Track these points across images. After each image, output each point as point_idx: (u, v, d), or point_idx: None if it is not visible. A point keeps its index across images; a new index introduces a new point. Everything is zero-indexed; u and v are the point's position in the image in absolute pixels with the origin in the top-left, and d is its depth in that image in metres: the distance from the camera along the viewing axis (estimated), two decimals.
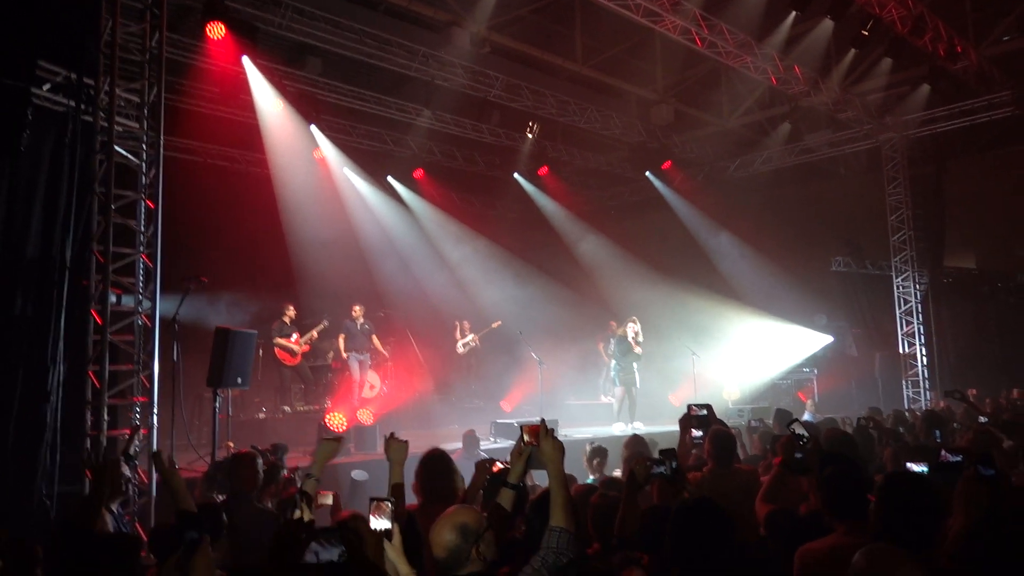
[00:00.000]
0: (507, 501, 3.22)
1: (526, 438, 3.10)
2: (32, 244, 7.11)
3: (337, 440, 3.66)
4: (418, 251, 15.20)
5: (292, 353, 11.55)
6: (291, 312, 11.75)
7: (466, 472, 4.28)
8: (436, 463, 4.09)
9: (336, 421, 8.97)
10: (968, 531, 3.11)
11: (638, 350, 11.46)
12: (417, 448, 4.38)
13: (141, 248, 7.16)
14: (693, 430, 5.39)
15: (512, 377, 13.59)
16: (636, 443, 5.96)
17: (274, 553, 1.64)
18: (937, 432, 6.43)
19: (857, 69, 12.71)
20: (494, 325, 14.07)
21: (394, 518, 1.99)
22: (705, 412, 5.42)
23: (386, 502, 2.02)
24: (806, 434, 4.37)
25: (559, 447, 3.04)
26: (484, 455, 7.04)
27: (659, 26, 10.48)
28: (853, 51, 11.59)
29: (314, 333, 11.79)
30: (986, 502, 3.25)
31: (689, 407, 5.46)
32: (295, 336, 11.63)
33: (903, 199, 13.98)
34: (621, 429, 10.92)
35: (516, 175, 16.07)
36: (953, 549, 3.04)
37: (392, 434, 3.89)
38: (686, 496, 3.70)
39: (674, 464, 3.74)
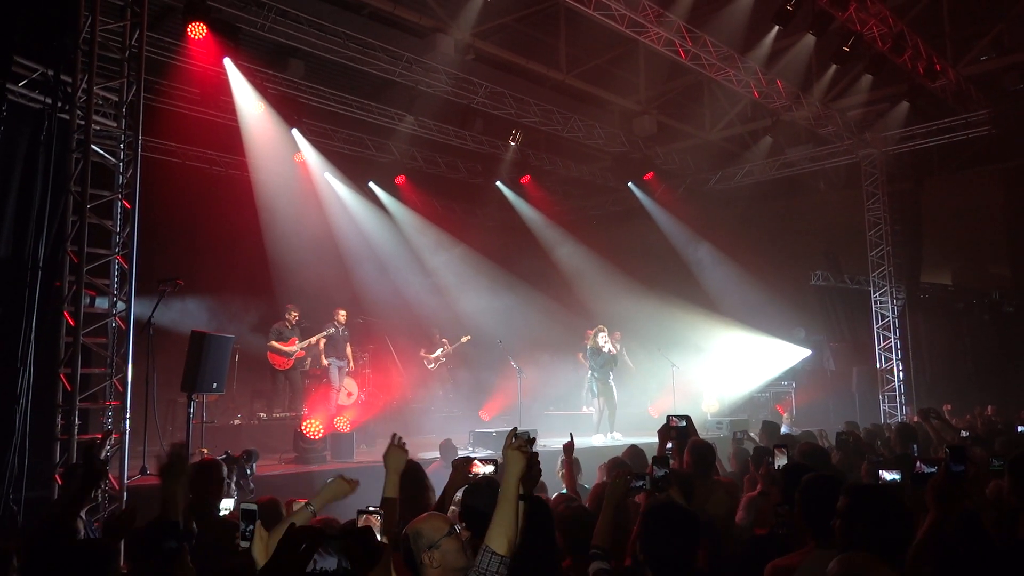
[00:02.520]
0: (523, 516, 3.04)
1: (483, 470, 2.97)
2: (4, 243, 7.01)
3: (350, 483, 3.19)
4: (398, 258, 15.16)
5: (287, 357, 11.34)
6: (293, 315, 11.52)
7: (441, 481, 4.23)
8: (412, 474, 4.02)
9: (312, 428, 8.88)
10: (934, 528, 3.14)
11: (608, 347, 11.38)
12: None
13: (117, 249, 7.06)
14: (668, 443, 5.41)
15: (491, 386, 13.57)
16: (634, 454, 5.93)
17: (275, 561, 1.59)
18: (914, 446, 6.50)
19: (838, 85, 12.91)
20: (463, 340, 14.06)
21: (384, 532, 1.93)
22: (684, 423, 5.44)
23: (375, 515, 1.97)
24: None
25: (519, 461, 2.75)
26: None
27: (643, 37, 10.56)
28: (834, 67, 11.75)
29: (313, 340, 11.60)
30: (955, 499, 3.26)
31: (668, 418, 5.48)
32: (292, 340, 11.41)
33: (882, 215, 14.15)
34: (601, 440, 10.92)
35: (498, 183, 16.09)
36: (919, 547, 3.07)
37: (397, 437, 3.56)
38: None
39: (663, 472, 3.72)
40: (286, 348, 11.32)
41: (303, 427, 8.94)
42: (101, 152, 7.02)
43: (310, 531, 1.65)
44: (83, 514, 4.52)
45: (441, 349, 14.11)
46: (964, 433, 6.85)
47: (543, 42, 12.68)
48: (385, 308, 14.18)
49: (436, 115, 13.37)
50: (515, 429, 2.87)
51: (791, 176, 15.31)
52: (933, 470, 3.71)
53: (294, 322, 11.54)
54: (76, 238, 6.74)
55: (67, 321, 6.66)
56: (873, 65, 11.44)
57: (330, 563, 1.66)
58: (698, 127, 15.06)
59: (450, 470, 4.08)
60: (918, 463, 3.86)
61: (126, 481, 6.63)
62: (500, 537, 2.59)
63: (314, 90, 12.20)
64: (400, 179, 15.50)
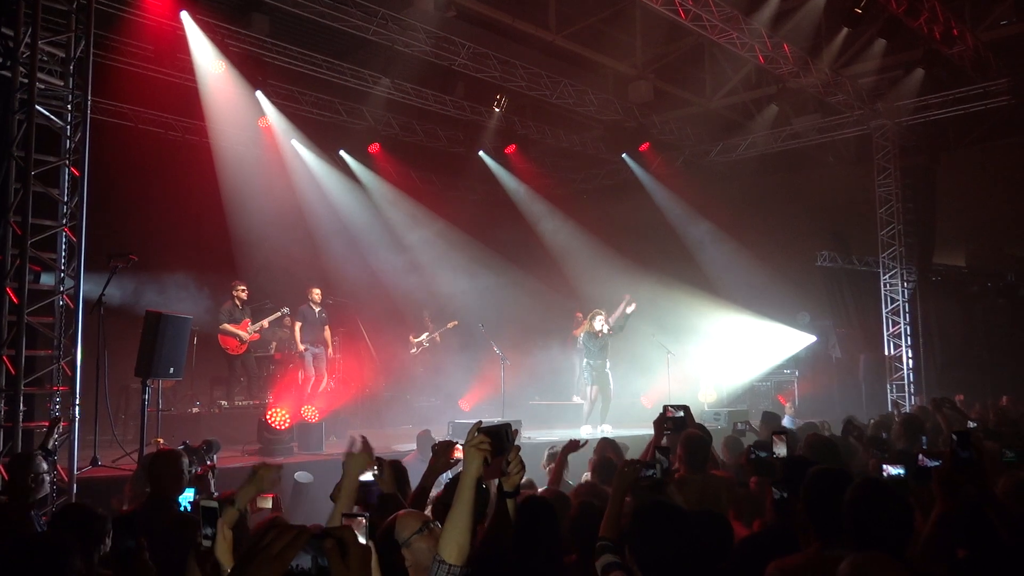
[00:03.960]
0: (512, 512, 3.03)
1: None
2: None
3: (274, 468, 3.25)
4: (372, 233, 15.11)
5: (240, 340, 11.17)
6: (242, 293, 11.25)
7: (417, 475, 4.26)
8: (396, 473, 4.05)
9: (278, 418, 8.90)
10: (942, 523, 3.21)
11: (608, 326, 11.48)
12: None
13: (64, 220, 7.01)
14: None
15: (472, 374, 13.62)
16: (607, 447, 6.01)
17: (252, 556, 1.61)
18: (924, 438, 6.60)
19: (849, 50, 12.93)
20: (450, 325, 14.10)
21: (370, 535, 1.95)
22: (682, 414, 5.49)
23: (360, 517, 1.99)
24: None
25: (475, 459, 2.67)
26: None
27: None
28: (845, 30, 11.77)
29: (265, 323, 11.50)
30: (962, 488, 3.32)
31: (665, 408, 5.53)
32: (245, 321, 11.25)
33: (893, 191, 14.24)
34: (589, 432, 10.98)
35: (481, 153, 16.04)
36: (927, 543, 3.14)
37: (361, 438, 3.49)
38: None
39: (665, 465, 3.76)
40: (239, 331, 11.14)
41: (268, 416, 8.95)
42: (46, 113, 6.94)
43: (294, 528, 1.68)
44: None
45: (427, 333, 14.13)
46: (972, 424, 6.98)
47: None
48: (357, 288, 14.15)
49: (414, 78, 13.29)
50: (479, 423, 2.79)
51: (797, 148, 15.36)
52: (937, 463, 3.79)
53: (245, 299, 11.33)
54: (19, 208, 6.68)
55: (10, 298, 6.61)
56: (887, 29, 11.48)
57: (305, 561, 1.68)
58: (698, 94, 15.08)
59: (425, 464, 4.12)
60: (920, 456, 3.94)
61: (75, 472, 6.63)
62: (451, 544, 2.50)
63: (280, 48, 12.09)
64: (374, 147, 15.42)
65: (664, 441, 5.42)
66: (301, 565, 1.65)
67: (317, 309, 11.65)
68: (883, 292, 14.44)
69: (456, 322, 14.13)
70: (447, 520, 2.56)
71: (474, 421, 2.99)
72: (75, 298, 6.92)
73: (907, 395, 14.05)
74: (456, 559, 2.47)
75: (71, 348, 6.87)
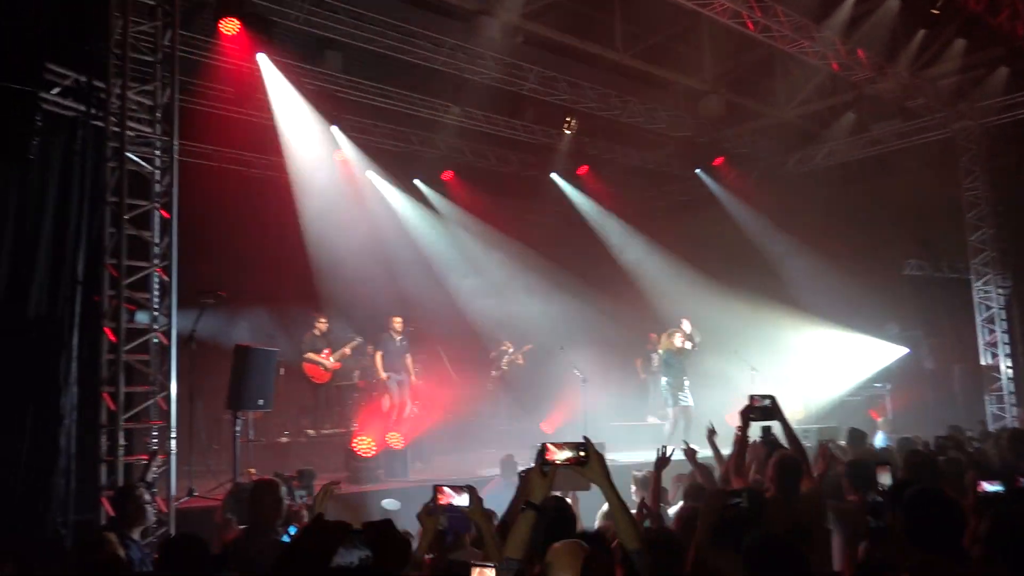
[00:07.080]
0: (528, 525, 2.83)
1: (559, 457, 2.89)
2: (42, 257, 7.28)
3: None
4: (448, 259, 15.29)
5: (324, 369, 11.67)
6: (322, 324, 11.86)
7: (502, 501, 4.19)
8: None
9: (365, 446, 9.05)
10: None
11: (690, 344, 11.43)
12: (454, 474, 4.38)
13: (156, 261, 7.31)
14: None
15: (552, 396, 13.57)
16: (696, 472, 5.91)
17: (292, 555, 1.65)
18: None
19: (927, 51, 12.53)
20: (525, 348, 14.17)
21: None
22: (768, 403, 5.28)
23: (489, 568, 1.99)
24: None
25: (604, 470, 2.97)
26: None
27: (707, 10, 10.45)
28: (922, 32, 11.45)
29: (346, 350, 11.89)
30: None
31: (751, 397, 5.35)
32: (326, 351, 11.72)
33: (981, 194, 13.74)
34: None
35: (553, 175, 16.10)
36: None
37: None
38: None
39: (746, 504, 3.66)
40: (322, 360, 11.64)
41: (354, 444, 9.11)
42: (137, 160, 7.29)
43: (335, 525, 1.71)
44: (136, 535, 4.72)
45: (507, 356, 14.24)
46: None
47: (597, 20, 12.62)
48: (436, 314, 14.31)
49: (484, 104, 13.43)
50: (586, 438, 3.00)
51: (878, 155, 14.97)
52: None
53: (324, 330, 11.83)
54: (115, 251, 7.00)
55: (108, 338, 6.91)
56: (966, 28, 11.15)
57: (352, 557, 1.71)
58: (771, 105, 14.81)
59: (508, 489, 4.08)
60: (1018, 477, 3.77)
61: (174, 504, 6.86)
62: (633, 533, 2.88)
63: (353, 83, 12.39)
64: (447, 175, 15.63)
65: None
66: (347, 562, 1.68)
67: (398, 338, 12.03)
68: (976, 300, 13.89)
69: (531, 345, 14.19)
70: (619, 520, 2.89)
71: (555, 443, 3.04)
72: (168, 335, 7.20)
73: (1007, 406, 13.44)
74: (639, 543, 2.84)
75: (166, 384, 7.14)
